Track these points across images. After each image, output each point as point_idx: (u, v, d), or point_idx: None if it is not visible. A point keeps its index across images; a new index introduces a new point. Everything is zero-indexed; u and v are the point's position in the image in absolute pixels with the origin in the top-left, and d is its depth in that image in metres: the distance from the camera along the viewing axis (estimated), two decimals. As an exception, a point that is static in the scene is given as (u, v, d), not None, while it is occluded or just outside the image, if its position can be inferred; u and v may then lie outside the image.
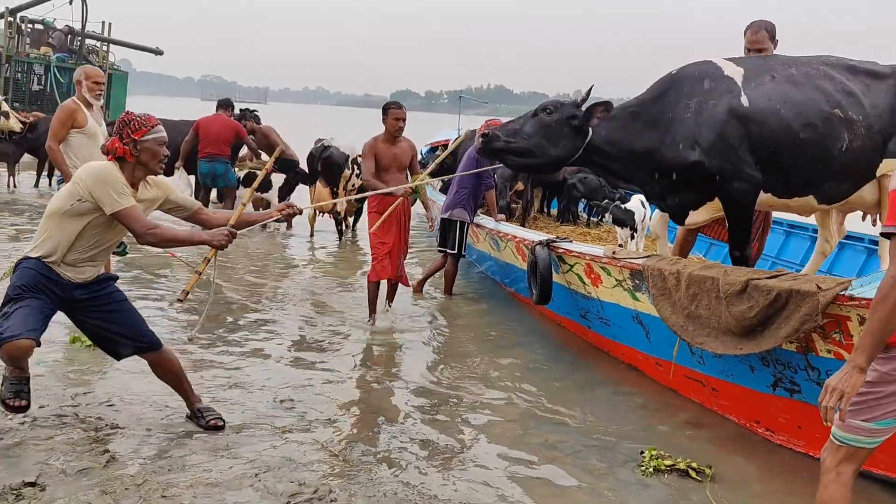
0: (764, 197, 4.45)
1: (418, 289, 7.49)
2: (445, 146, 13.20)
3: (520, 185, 9.26)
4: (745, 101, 4.25)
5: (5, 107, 12.27)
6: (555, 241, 5.75)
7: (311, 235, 10.32)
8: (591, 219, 10.13)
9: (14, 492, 2.92)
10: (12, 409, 3.39)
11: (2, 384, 3.40)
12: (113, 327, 3.67)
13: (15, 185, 12.51)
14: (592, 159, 4.59)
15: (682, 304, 4.34)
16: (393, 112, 6.23)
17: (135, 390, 4.21)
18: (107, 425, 3.66)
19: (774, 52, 4.97)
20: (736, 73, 4.38)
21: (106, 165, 3.57)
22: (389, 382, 4.97)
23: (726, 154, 4.23)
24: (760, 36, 4.95)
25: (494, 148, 4.61)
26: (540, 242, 5.75)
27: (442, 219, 7.48)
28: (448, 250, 7.40)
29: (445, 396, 4.77)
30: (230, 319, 6.00)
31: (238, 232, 3.77)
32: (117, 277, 3.93)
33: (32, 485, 2.99)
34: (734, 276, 4.00)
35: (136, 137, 3.55)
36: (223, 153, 9.80)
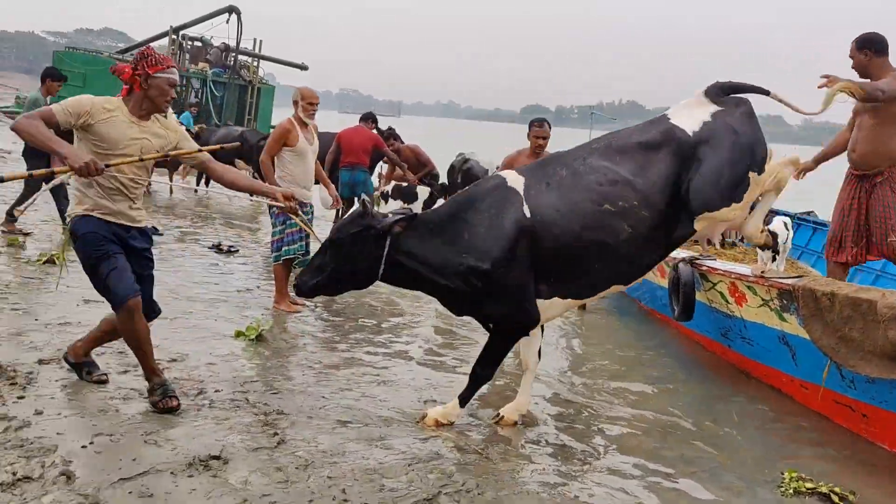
0: (562, 303, 4.17)
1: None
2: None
3: None
4: (527, 213, 3.96)
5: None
6: (698, 259, 5.72)
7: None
8: (726, 240, 9.87)
9: (202, 463, 3.28)
10: (165, 409, 3.77)
11: (151, 392, 3.84)
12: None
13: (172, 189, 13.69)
14: (396, 273, 4.09)
15: (834, 325, 4.24)
16: (534, 130, 6.54)
17: (296, 381, 4.58)
18: (273, 411, 4.01)
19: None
20: (517, 183, 4.07)
21: (86, 96, 3.81)
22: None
23: (513, 272, 3.96)
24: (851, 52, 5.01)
25: (308, 291, 4.10)
26: (683, 259, 5.74)
27: None
28: None
29: (580, 406, 4.86)
30: (374, 322, 6.35)
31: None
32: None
33: (217, 458, 3.35)
34: (893, 300, 3.87)
35: (150, 72, 3.78)
36: (362, 162, 10.25)
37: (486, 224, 3.98)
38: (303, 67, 24.97)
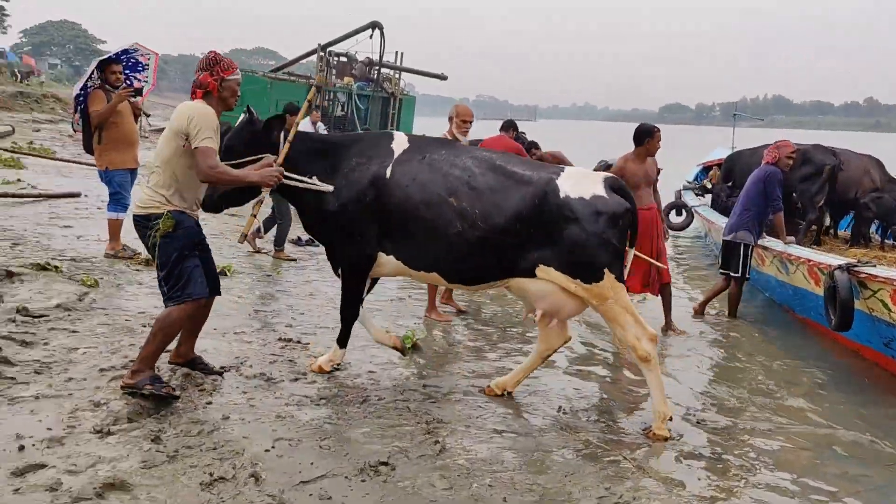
0: (395, 264, 4.57)
1: (699, 311, 7.43)
2: (720, 166, 12.75)
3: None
4: (387, 172, 4.44)
5: (321, 129, 14.19)
6: (856, 266, 5.40)
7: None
8: (886, 241, 9.18)
9: (373, 468, 3.51)
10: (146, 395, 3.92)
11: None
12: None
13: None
14: (281, 186, 4.52)
15: None
16: (657, 135, 6.61)
17: (452, 389, 4.75)
18: (434, 419, 4.20)
19: None
20: (400, 146, 4.56)
21: (207, 106, 4.06)
22: (672, 398, 5.04)
23: (355, 216, 4.46)
24: None
25: (212, 206, 4.59)
26: (839, 266, 5.44)
27: (725, 241, 7.31)
28: (731, 273, 7.23)
29: (733, 418, 4.75)
30: (520, 331, 6.45)
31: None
32: None
33: (385, 464, 3.56)
34: None
35: (225, 76, 4.13)
36: None
37: (353, 167, 4.52)
38: (442, 77, 25.51)
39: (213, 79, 4.13)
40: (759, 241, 7.26)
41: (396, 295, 7.43)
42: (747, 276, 7.20)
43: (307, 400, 4.30)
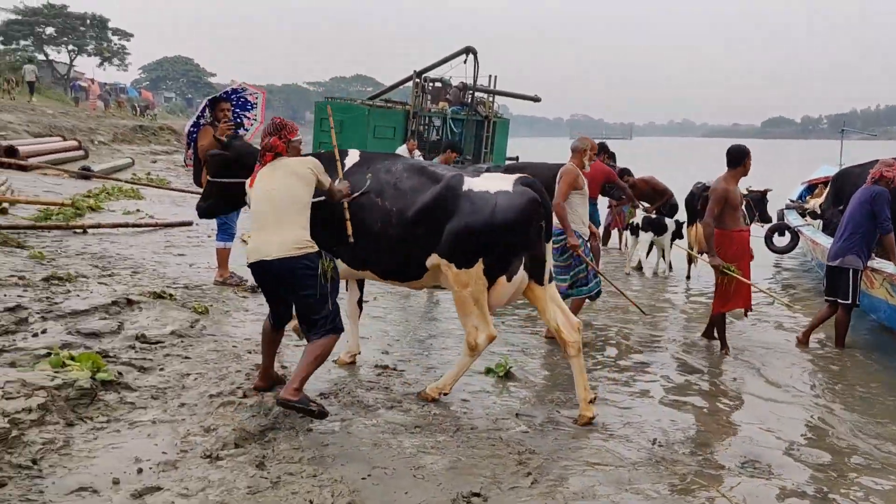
0: (342, 266, 4.94)
1: (804, 340, 7.16)
2: (825, 183, 12.17)
3: None
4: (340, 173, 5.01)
5: (417, 155, 14.49)
6: None
7: (688, 278, 10.37)
8: None
9: (465, 499, 3.57)
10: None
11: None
12: None
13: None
14: None
15: None
16: (750, 156, 6.60)
17: (544, 419, 4.76)
18: (526, 449, 4.23)
19: None
20: (351, 161, 5.13)
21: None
22: (774, 431, 4.88)
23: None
24: None
25: (204, 212, 5.78)
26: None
27: (829, 266, 7.01)
28: (839, 300, 6.91)
29: (839, 454, 4.54)
30: (614, 358, 6.38)
31: None
32: None
33: (477, 495, 3.62)
34: None
35: (290, 138, 4.61)
36: (593, 195, 10.22)
37: None
38: (535, 99, 25.56)
39: (281, 141, 4.58)
40: (869, 263, 6.92)
41: (490, 321, 7.48)
42: (857, 302, 6.87)
43: (402, 428, 4.41)
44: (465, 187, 4.73)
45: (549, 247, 4.99)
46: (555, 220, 6.38)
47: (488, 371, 5.65)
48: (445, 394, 4.98)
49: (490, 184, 4.76)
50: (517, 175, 4.91)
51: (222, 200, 5.59)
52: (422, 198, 4.77)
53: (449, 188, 4.73)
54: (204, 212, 5.74)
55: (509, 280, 4.76)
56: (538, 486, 3.77)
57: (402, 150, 14.71)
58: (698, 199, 9.63)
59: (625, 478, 3.99)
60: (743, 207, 9.44)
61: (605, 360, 6.34)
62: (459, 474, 3.84)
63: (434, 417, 4.62)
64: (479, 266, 4.65)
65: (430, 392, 4.95)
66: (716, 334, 6.94)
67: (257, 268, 4.43)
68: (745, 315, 7.47)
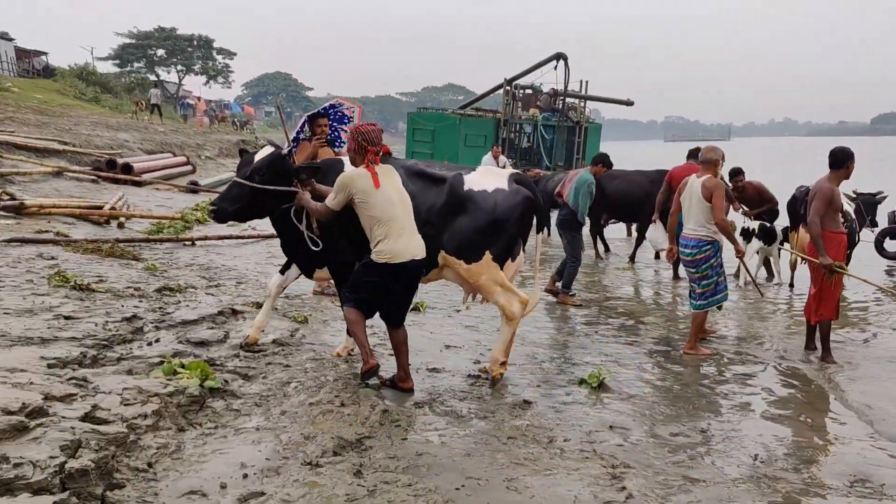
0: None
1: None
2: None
3: None
4: None
5: (504, 162, 14.52)
6: None
7: (791, 286, 9.96)
8: None
9: (557, 512, 3.56)
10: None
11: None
12: None
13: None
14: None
15: None
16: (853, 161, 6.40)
17: (640, 432, 4.69)
18: (620, 463, 4.17)
19: None
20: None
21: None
22: (886, 448, 4.63)
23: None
24: None
25: (225, 216, 5.30)
26: None
27: None
28: None
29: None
30: (715, 371, 6.20)
31: None
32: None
33: (570, 508, 3.60)
34: None
35: (366, 147, 4.88)
36: None
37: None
38: (628, 103, 25.13)
39: (362, 148, 4.96)
40: None
41: (583, 331, 7.41)
42: None
43: (495, 439, 4.44)
44: (465, 187, 5.17)
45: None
46: (690, 231, 6.69)
47: (581, 382, 5.60)
48: (504, 362, 5.45)
49: (487, 182, 5.20)
50: (511, 172, 5.50)
51: (257, 207, 5.29)
52: (429, 198, 5.19)
53: (452, 189, 5.17)
54: (226, 216, 5.31)
55: (513, 261, 5.40)
56: (632, 502, 3.72)
57: (486, 158, 14.80)
58: (801, 204, 9.20)
59: (724, 495, 3.88)
60: (852, 210, 9.00)
61: (705, 372, 6.17)
62: (552, 487, 3.83)
63: (527, 429, 4.62)
64: (488, 256, 5.18)
65: (495, 369, 5.40)
66: (817, 344, 6.65)
67: (402, 267, 4.81)
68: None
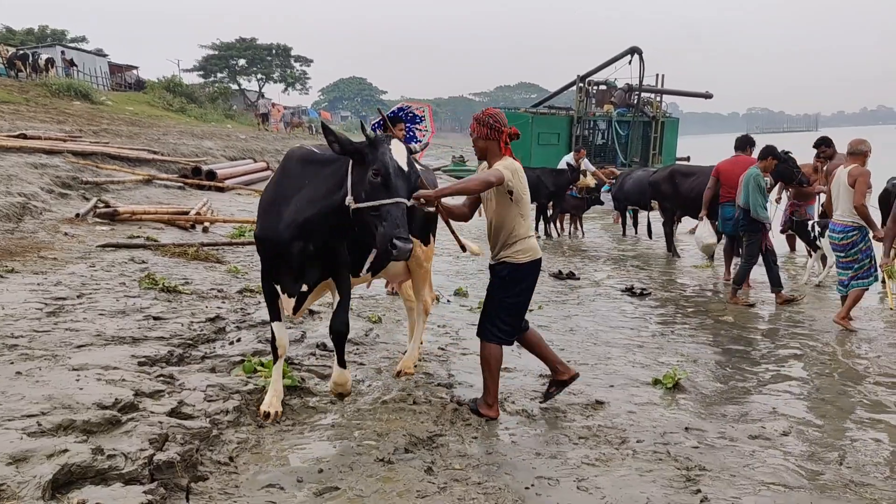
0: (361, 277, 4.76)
1: None
2: None
3: None
4: None
5: (586, 165, 14.39)
6: None
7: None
8: None
9: (629, 513, 3.53)
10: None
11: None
12: None
13: (583, 233, 14.76)
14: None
15: None
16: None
17: (716, 433, 4.59)
18: (696, 465, 4.10)
19: None
20: None
21: None
22: None
23: None
24: None
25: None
26: None
27: None
28: None
29: None
30: (794, 368, 6.00)
31: None
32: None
33: (641, 510, 3.56)
34: None
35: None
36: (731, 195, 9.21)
37: None
38: (707, 96, 24.47)
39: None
40: None
41: (658, 330, 7.29)
42: None
43: (565, 438, 4.43)
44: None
45: None
46: (838, 217, 7.37)
47: (656, 382, 5.51)
48: (417, 364, 5.46)
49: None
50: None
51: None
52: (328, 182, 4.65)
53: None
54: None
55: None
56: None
57: (568, 158, 14.64)
58: (894, 196, 8.76)
59: (806, 501, 3.76)
60: None
61: (784, 372, 5.97)
62: (623, 488, 3.80)
63: (598, 429, 4.59)
64: (432, 240, 5.43)
65: (406, 368, 5.28)
66: None
67: (535, 266, 4.61)
68: None
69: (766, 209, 8.47)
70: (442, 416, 4.60)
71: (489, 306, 4.66)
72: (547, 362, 5.05)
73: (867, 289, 7.45)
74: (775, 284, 8.52)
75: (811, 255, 10.08)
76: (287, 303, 4.43)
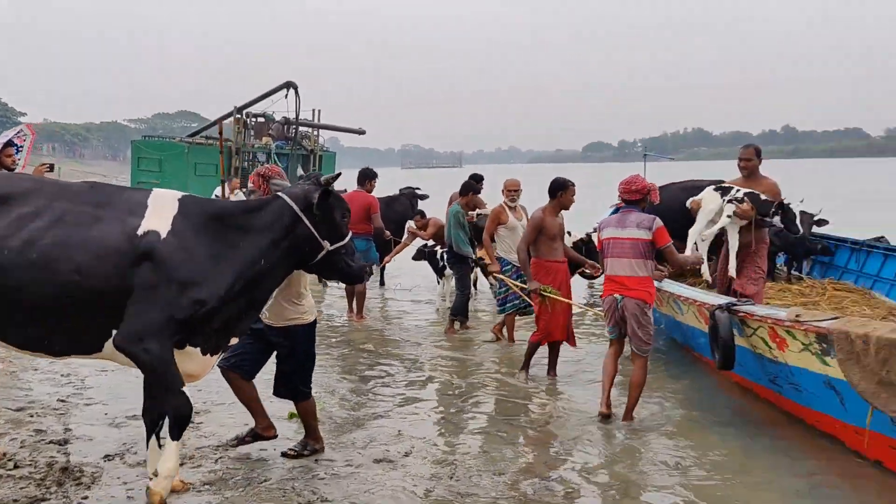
0: None
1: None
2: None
3: None
4: None
5: (238, 196, 14.01)
6: (735, 305, 5.57)
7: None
8: (792, 273, 9.54)
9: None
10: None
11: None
12: None
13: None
14: None
15: (872, 369, 4.13)
16: (571, 189, 6.67)
17: (341, 464, 4.70)
18: (318, 498, 4.15)
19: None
20: None
21: None
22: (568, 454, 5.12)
23: None
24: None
25: None
26: (719, 307, 5.57)
27: None
28: None
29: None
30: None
31: None
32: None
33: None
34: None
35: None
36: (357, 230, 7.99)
37: None
38: (360, 132, 25.81)
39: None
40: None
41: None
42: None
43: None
44: None
45: None
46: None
47: (291, 416, 5.50)
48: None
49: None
50: None
51: None
52: None
53: None
54: None
55: None
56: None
57: (216, 191, 14.12)
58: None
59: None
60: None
61: (416, 394, 6.38)
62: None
63: (232, 472, 4.45)
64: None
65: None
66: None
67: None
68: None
69: (468, 244, 8.77)
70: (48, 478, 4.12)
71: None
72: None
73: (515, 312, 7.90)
74: (456, 314, 8.84)
75: (439, 282, 11.07)
76: None
